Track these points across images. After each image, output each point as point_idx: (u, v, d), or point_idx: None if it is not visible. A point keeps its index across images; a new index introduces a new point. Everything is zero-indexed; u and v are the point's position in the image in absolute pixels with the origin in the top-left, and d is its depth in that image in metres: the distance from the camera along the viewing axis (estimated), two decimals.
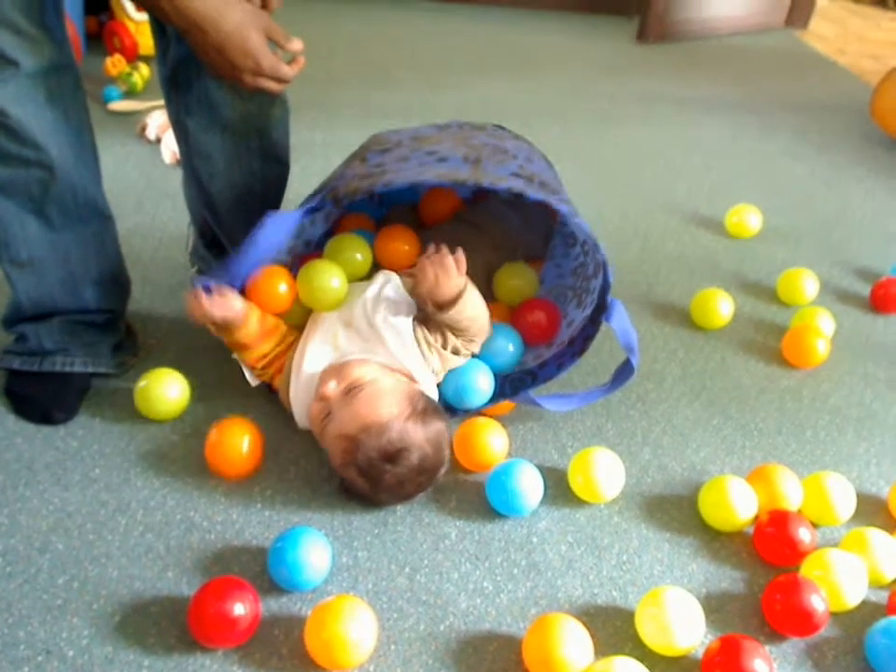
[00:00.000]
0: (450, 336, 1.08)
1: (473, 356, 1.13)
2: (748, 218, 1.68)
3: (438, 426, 1.02)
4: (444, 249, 1.04)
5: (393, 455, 0.97)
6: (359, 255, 1.15)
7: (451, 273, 1.02)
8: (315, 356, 1.07)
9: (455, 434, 1.08)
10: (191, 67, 1.13)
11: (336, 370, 1.03)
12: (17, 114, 0.98)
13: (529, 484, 1.01)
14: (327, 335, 1.09)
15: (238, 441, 1.04)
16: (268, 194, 1.30)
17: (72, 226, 1.09)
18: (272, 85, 1.05)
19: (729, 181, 1.97)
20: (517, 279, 1.24)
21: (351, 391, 1.00)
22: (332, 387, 1.01)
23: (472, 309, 1.07)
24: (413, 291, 1.09)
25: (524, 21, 3.18)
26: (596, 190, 1.84)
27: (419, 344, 1.08)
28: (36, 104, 0.99)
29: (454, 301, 1.04)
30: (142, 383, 1.12)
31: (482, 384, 1.11)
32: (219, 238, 1.33)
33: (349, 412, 0.99)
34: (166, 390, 1.12)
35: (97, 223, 1.13)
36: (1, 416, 1.12)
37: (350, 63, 2.58)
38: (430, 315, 1.06)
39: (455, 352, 1.10)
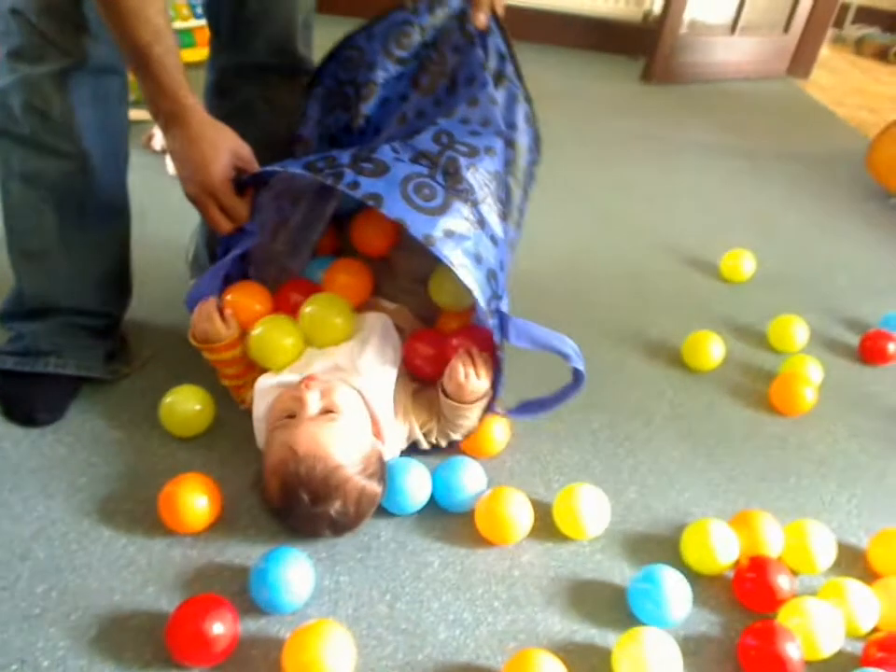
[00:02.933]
0: (433, 421, 1.09)
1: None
2: (742, 263, 1.71)
3: (374, 492, 0.99)
4: (476, 350, 1.04)
5: (319, 497, 0.94)
6: (339, 319, 1.11)
7: (480, 374, 1.02)
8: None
9: (477, 505, 1.05)
10: (237, 76, 1.17)
11: (324, 383, 1.01)
12: (62, 105, 1.02)
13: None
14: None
15: (193, 497, 0.98)
16: None
17: (86, 225, 1.11)
18: (217, 216, 1.04)
19: (724, 225, 2.00)
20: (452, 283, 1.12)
21: (327, 413, 0.98)
22: (314, 398, 0.98)
23: (477, 415, 1.07)
24: (441, 384, 1.06)
25: (529, 55, 3.22)
26: (593, 228, 1.86)
27: (399, 410, 1.07)
28: (82, 99, 1.03)
29: (473, 402, 1.04)
30: (168, 399, 1.12)
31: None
32: None
33: (312, 432, 0.95)
34: (192, 406, 1.12)
35: (111, 227, 1.15)
36: None
37: None
38: (442, 399, 1.05)
39: (426, 435, 1.09)
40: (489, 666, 0.89)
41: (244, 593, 0.92)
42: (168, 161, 1.88)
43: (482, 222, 0.99)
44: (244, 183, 1.05)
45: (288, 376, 1.06)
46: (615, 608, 0.98)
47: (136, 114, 2.08)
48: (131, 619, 0.89)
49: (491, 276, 0.97)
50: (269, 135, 1.22)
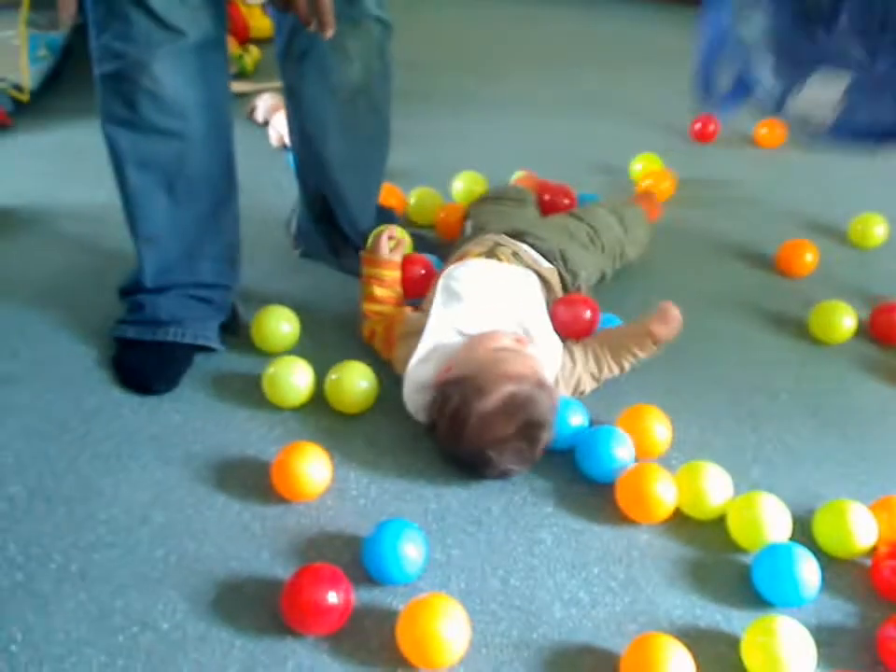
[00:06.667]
0: (605, 362, 1.15)
1: None
2: (873, 227, 1.58)
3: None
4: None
5: (540, 423, 1.00)
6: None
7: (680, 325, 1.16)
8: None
9: (620, 479, 1.02)
10: (305, 35, 1.15)
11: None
12: (171, 83, 1.02)
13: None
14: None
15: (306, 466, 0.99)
16: (376, 155, 1.35)
17: (194, 201, 1.12)
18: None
19: (851, 186, 1.86)
20: None
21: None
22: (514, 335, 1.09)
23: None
24: (640, 326, 1.16)
25: (644, 14, 3.08)
26: (706, 197, 1.77)
27: (573, 364, 1.14)
28: (188, 75, 1.03)
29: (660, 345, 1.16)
30: (270, 370, 1.12)
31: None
32: (330, 207, 1.35)
33: (530, 359, 1.05)
34: (295, 377, 1.11)
35: (221, 202, 1.16)
36: (108, 387, 1.15)
37: (450, 51, 2.57)
38: (633, 338, 1.15)
39: (594, 376, 1.15)
40: (608, 649, 0.86)
41: (355, 563, 0.92)
42: (271, 131, 1.89)
43: None
44: None
45: (464, 324, 1.12)
46: (740, 592, 0.92)
47: (238, 86, 2.11)
48: (246, 585, 0.90)
49: None
50: (344, 84, 1.21)
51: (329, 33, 1.02)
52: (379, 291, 1.23)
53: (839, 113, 1.02)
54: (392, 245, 1.26)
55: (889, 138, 1.04)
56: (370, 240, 1.29)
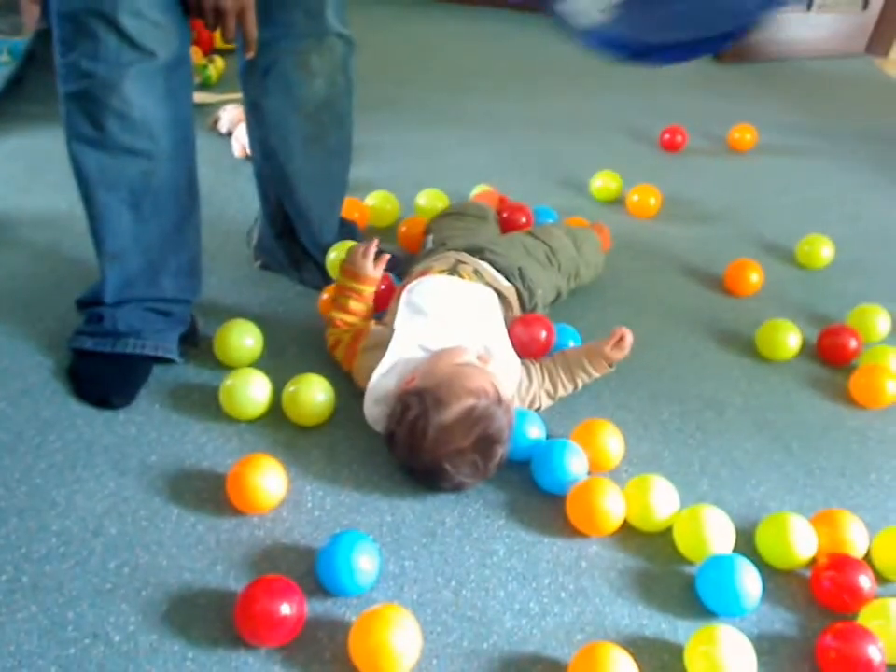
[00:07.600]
0: (560, 380, 1.18)
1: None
2: (819, 248, 1.63)
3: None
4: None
5: (504, 430, 1.02)
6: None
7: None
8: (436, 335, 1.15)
9: (570, 493, 1.04)
10: (270, 51, 1.17)
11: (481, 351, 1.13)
12: (141, 104, 1.02)
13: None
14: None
15: (260, 478, 0.99)
16: (339, 169, 1.36)
17: (158, 218, 1.12)
18: (233, 29, 1.02)
19: (801, 209, 1.92)
20: None
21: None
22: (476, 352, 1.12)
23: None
24: (595, 348, 1.19)
25: None
26: (663, 213, 1.81)
27: (529, 381, 1.17)
28: (157, 95, 1.03)
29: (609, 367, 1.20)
30: (227, 382, 1.12)
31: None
32: (291, 224, 1.36)
33: (490, 376, 1.07)
34: (252, 390, 1.11)
35: (184, 217, 1.16)
36: (64, 397, 1.14)
37: (420, 67, 2.59)
38: (597, 366, 1.18)
39: (549, 394, 1.18)
40: (556, 658, 0.88)
41: (309, 574, 0.92)
42: (234, 142, 1.89)
43: None
44: None
45: (427, 340, 1.14)
46: (685, 602, 0.95)
47: (202, 97, 2.11)
48: (199, 596, 0.90)
49: None
50: (309, 99, 1.22)
51: (250, 54, 1.07)
52: (354, 305, 1.23)
53: (606, 20, 1.10)
54: (375, 261, 1.25)
55: (642, 57, 1.12)
56: (335, 253, 1.30)
